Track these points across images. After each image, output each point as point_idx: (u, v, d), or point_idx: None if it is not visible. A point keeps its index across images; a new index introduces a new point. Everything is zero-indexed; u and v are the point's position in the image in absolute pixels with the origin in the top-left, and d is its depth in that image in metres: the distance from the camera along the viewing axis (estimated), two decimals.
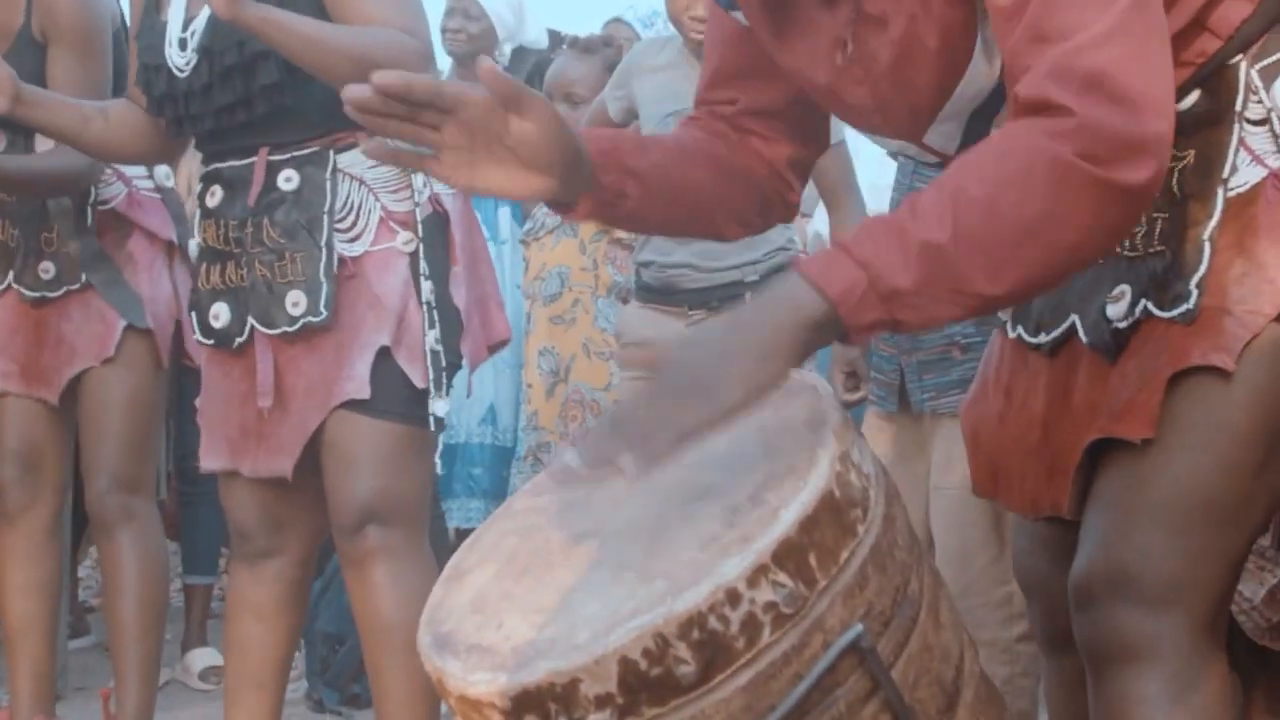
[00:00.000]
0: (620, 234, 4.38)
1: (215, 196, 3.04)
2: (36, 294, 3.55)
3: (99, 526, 3.58)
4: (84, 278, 3.52)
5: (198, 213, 3.09)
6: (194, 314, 3.08)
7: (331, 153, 2.97)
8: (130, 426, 3.54)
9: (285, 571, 3.14)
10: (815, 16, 1.91)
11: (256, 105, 2.92)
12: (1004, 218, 1.62)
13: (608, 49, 4.65)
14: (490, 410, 4.98)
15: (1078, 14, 1.64)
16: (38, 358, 3.55)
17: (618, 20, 5.62)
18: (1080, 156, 1.60)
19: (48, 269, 3.54)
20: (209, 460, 3.09)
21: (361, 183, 2.99)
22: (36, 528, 3.60)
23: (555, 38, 6.11)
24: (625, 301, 4.33)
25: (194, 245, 3.14)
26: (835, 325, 1.64)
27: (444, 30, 5.53)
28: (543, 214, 4.55)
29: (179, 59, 2.97)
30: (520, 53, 5.83)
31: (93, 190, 3.53)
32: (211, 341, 3.04)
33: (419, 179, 3.00)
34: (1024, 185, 1.61)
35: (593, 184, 1.90)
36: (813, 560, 1.57)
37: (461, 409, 4.78)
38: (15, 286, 3.56)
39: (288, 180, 2.97)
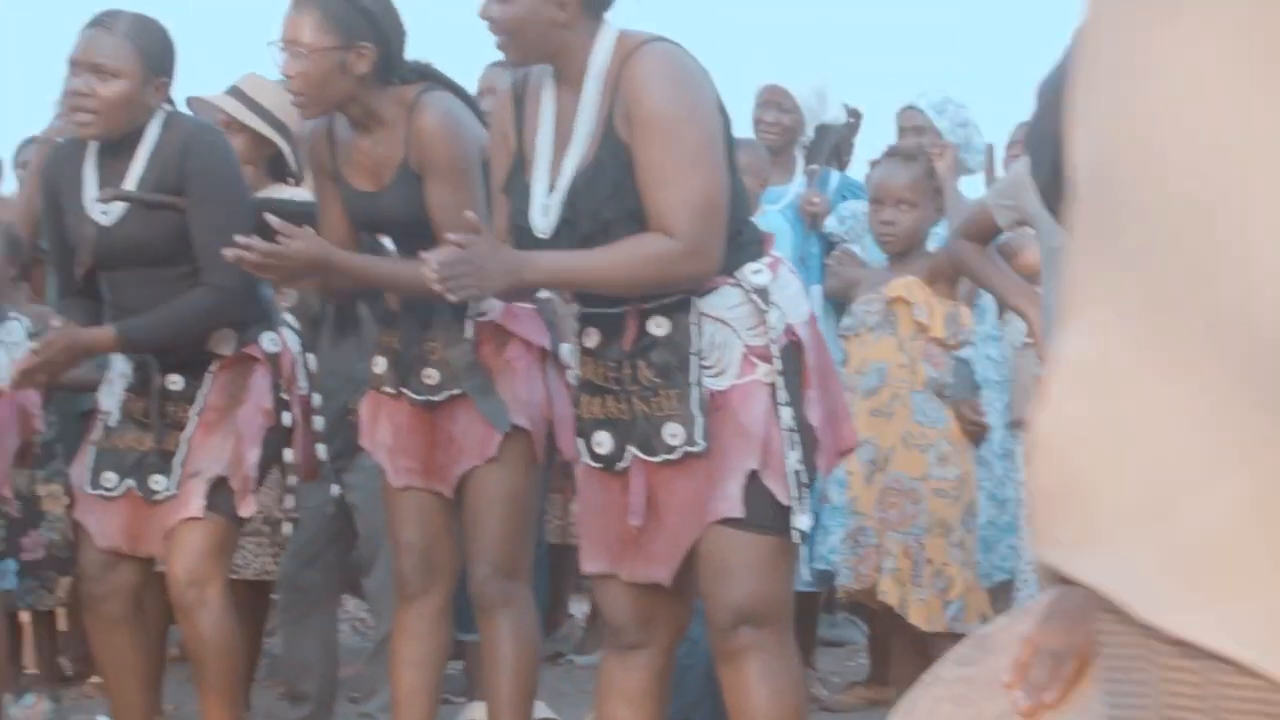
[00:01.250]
0: (937, 333, 4.69)
1: (592, 338, 3.42)
2: (423, 398, 3.96)
3: (480, 609, 3.98)
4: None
5: (578, 349, 3.47)
6: (579, 439, 3.46)
7: (694, 299, 3.33)
8: (509, 518, 3.94)
9: (653, 661, 3.51)
10: None
11: None
12: None
13: (925, 155, 4.95)
14: None
15: None
16: (432, 456, 3.97)
17: (911, 108, 5.88)
18: None
19: (431, 375, 3.95)
20: (590, 564, 3.48)
21: (724, 323, 3.34)
22: (430, 610, 4.02)
23: (852, 113, 6.43)
24: (941, 396, 4.66)
25: (573, 375, 3.52)
26: None
27: (758, 122, 5.88)
28: (861, 310, 4.86)
29: (541, 222, 3.36)
30: (822, 130, 6.16)
31: (470, 303, 3.93)
32: (598, 465, 3.43)
33: (774, 315, 3.35)
34: None
35: None
36: None
37: None
38: (404, 391, 3.98)
39: (658, 326, 3.34)
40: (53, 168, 4.25)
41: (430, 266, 3.21)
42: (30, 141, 6.52)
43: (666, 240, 3.23)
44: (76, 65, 4.01)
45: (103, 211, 4.08)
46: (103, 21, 4.02)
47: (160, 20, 4.13)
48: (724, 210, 3.28)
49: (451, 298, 3.25)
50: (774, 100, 5.88)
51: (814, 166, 6.01)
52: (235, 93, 5.22)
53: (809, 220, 5.81)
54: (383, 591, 4.95)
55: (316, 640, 5.08)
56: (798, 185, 5.94)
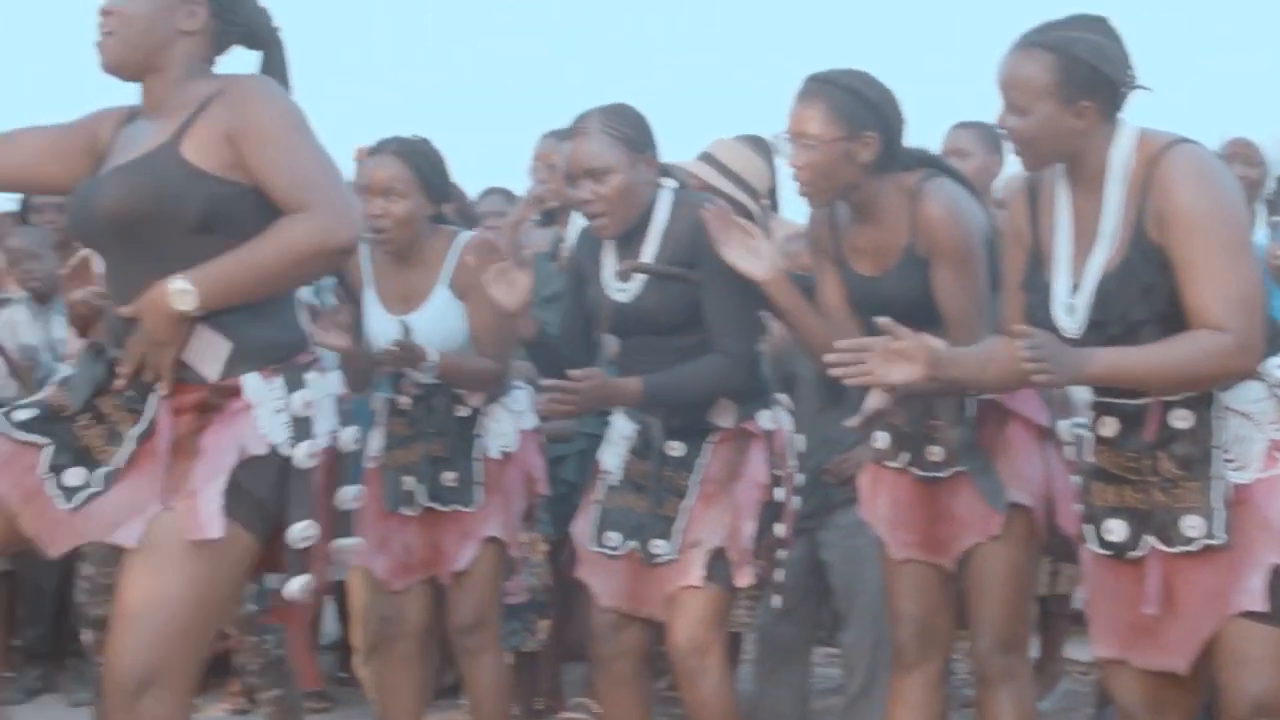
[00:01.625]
0: None
1: (1109, 427, 3.47)
2: (928, 474, 4.08)
3: (981, 680, 4.09)
4: None
5: (1092, 437, 3.52)
6: (1088, 525, 3.52)
7: (1217, 392, 3.36)
8: (1012, 595, 4.03)
9: None
10: None
11: None
12: None
13: None
14: None
15: None
16: (932, 529, 4.09)
17: None
18: None
19: (935, 452, 4.07)
20: (1100, 648, 3.54)
21: (1247, 417, 3.37)
22: (926, 679, 4.15)
23: None
24: None
25: (1069, 451, 3.58)
26: None
27: None
28: None
29: (1066, 321, 3.42)
30: None
31: None
32: (1108, 553, 3.49)
33: None
34: None
35: None
36: None
37: None
38: (909, 468, 4.11)
39: (1181, 419, 3.38)
40: (579, 251, 4.54)
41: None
42: (491, 192, 6.85)
43: (1219, 335, 3.27)
44: (571, 177, 4.28)
45: (620, 290, 4.32)
46: (579, 130, 4.27)
47: (626, 101, 4.35)
48: (1263, 305, 3.32)
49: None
50: (1241, 153, 5.83)
51: (1277, 219, 5.91)
52: (707, 158, 5.43)
53: (1274, 274, 5.72)
54: (857, 647, 5.10)
55: (789, 691, 5.26)
56: (1259, 238, 5.85)
